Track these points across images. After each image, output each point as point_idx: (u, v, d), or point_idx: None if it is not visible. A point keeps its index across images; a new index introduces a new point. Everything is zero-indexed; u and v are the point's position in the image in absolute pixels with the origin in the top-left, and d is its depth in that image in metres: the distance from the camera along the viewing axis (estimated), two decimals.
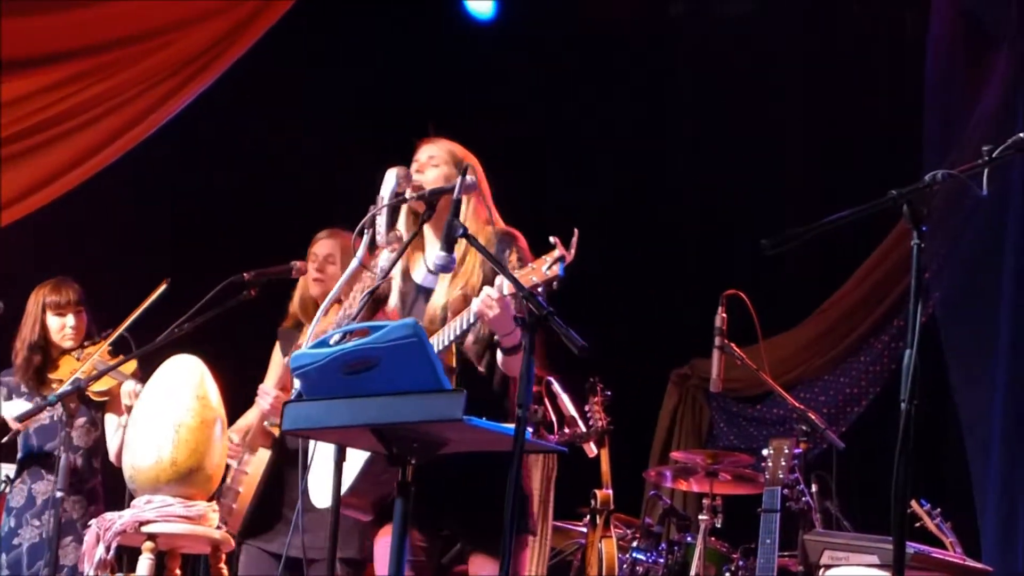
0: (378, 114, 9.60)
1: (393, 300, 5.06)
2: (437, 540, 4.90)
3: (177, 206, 9.03)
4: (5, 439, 6.60)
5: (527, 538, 5.01)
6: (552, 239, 4.51)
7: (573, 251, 4.46)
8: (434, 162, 5.03)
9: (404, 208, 4.99)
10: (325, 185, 8.73)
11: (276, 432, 6.07)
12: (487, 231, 4.89)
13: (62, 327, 6.73)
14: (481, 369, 4.85)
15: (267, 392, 6.05)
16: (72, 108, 8.07)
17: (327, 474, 4.81)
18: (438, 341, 4.75)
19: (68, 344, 6.74)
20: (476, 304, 4.64)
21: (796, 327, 9.46)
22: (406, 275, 5.08)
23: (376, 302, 5.05)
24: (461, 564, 4.98)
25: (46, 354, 6.74)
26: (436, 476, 4.43)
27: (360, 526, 5.45)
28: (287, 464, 6.07)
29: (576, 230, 4.47)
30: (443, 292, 4.91)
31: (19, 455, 6.74)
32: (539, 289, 4.48)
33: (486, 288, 4.64)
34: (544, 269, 4.46)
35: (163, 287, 6.48)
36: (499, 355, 4.79)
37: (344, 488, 4.83)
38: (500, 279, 4.62)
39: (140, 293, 7.18)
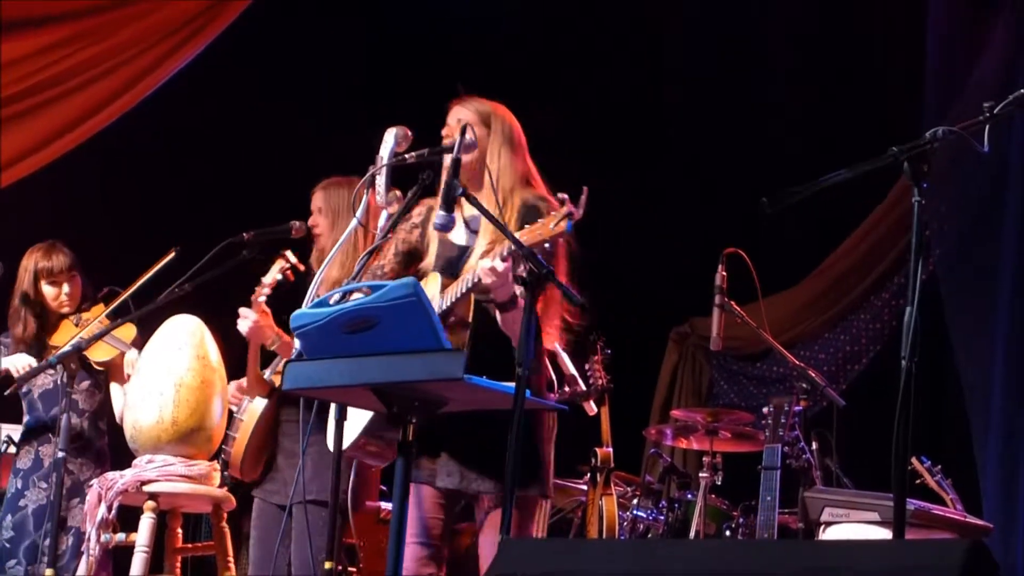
0: (378, 72, 9.58)
1: (430, 259, 5.06)
2: (454, 497, 4.91)
3: (176, 167, 9.01)
4: (7, 392, 6.60)
5: (541, 501, 5.04)
6: (561, 196, 4.53)
7: (582, 209, 4.48)
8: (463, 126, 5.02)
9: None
10: (326, 145, 8.72)
11: (276, 380, 6.05)
12: (524, 193, 4.90)
13: (57, 295, 6.72)
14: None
15: (247, 313, 5.87)
16: (69, 69, 8.04)
17: (353, 417, 4.81)
18: (450, 295, 4.76)
19: (65, 310, 6.73)
20: (479, 267, 4.66)
21: (796, 285, 9.45)
22: (443, 237, 5.06)
23: (410, 258, 5.05)
24: (464, 521, 5.00)
25: (44, 320, 6.73)
26: (451, 434, 4.45)
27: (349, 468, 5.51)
28: (284, 412, 6.05)
29: (585, 188, 4.49)
30: (480, 249, 4.91)
31: (25, 419, 6.74)
32: (546, 245, 4.51)
33: (482, 262, 4.65)
34: (551, 225, 4.48)
35: (170, 256, 6.45)
36: (497, 314, 4.79)
37: (357, 433, 4.85)
38: (496, 248, 4.64)
39: (140, 254, 7.18)
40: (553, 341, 5.13)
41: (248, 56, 8.93)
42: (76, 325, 6.66)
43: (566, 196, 4.51)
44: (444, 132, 5.03)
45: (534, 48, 9.80)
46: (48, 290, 6.70)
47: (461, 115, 5.04)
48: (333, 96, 9.50)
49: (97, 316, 6.58)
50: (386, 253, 5.12)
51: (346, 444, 4.98)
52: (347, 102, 9.40)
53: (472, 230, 4.99)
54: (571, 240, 4.77)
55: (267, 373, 6.07)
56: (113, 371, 6.63)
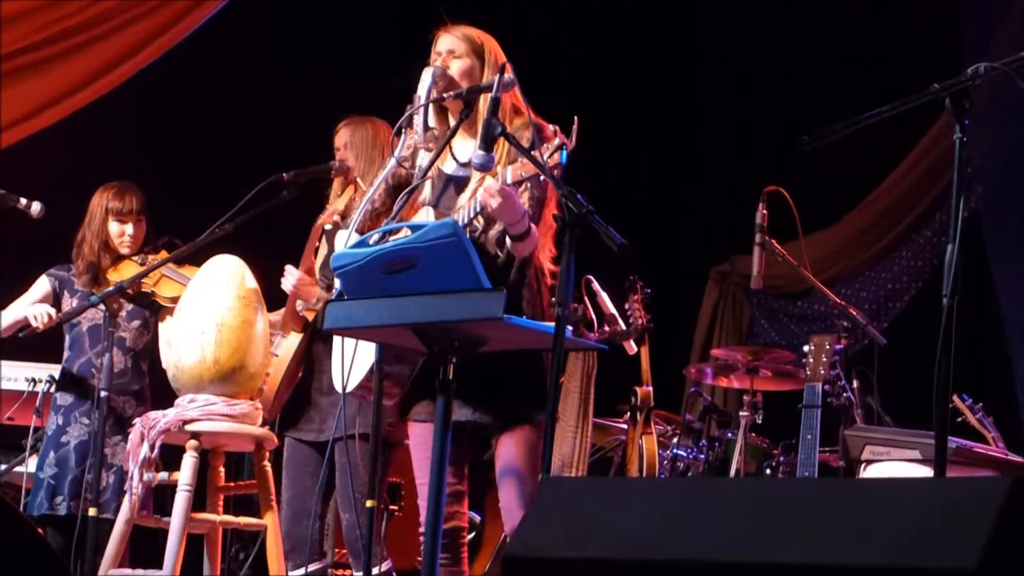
0: (410, 18, 9.56)
1: (426, 194, 5.05)
2: (462, 429, 4.90)
3: (216, 106, 9.01)
4: (21, 334, 6.65)
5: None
6: (552, 128, 4.51)
7: (574, 139, 4.46)
8: (455, 55, 4.99)
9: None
10: (362, 85, 8.71)
11: (309, 316, 6.08)
12: (515, 122, 4.87)
13: (121, 234, 6.76)
14: (500, 255, 4.85)
15: (291, 272, 6.02)
16: (87, 20, 7.98)
17: (358, 359, 4.83)
18: None
19: (125, 251, 6.77)
20: (480, 194, 4.65)
21: (837, 223, 9.41)
22: (438, 172, 5.05)
23: (399, 194, 5.03)
24: None
25: (102, 258, 6.78)
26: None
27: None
28: (320, 348, 6.08)
29: (576, 118, 4.47)
30: (475, 185, 4.90)
31: (66, 354, 6.79)
32: (540, 177, 4.51)
33: (487, 179, 4.64)
34: (546, 156, 4.47)
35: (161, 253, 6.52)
36: (509, 241, 4.79)
37: (364, 373, 4.87)
38: (501, 170, 4.62)
39: (182, 197, 7.21)
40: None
41: (273, 6, 8.92)
42: (140, 265, 6.71)
43: (557, 128, 4.50)
44: (439, 63, 5.00)
45: None
46: (114, 227, 6.75)
47: (451, 45, 5.01)
48: (362, 42, 9.47)
49: (163, 261, 6.61)
50: (377, 189, 5.12)
51: (352, 385, 5.00)
52: (377, 48, 9.37)
53: (463, 164, 4.98)
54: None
55: (299, 308, 6.09)
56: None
